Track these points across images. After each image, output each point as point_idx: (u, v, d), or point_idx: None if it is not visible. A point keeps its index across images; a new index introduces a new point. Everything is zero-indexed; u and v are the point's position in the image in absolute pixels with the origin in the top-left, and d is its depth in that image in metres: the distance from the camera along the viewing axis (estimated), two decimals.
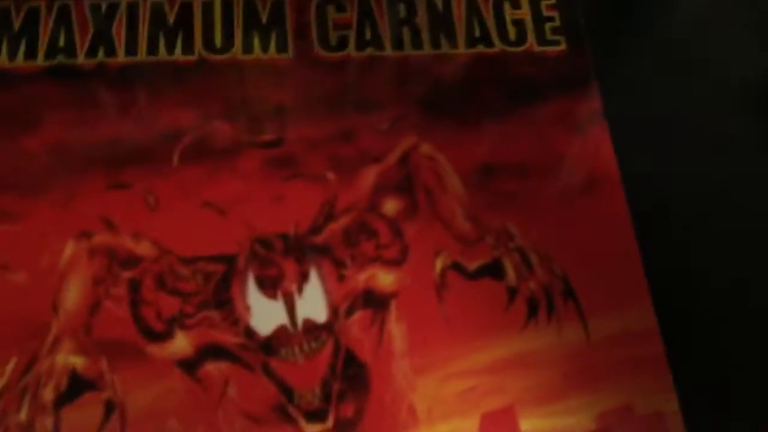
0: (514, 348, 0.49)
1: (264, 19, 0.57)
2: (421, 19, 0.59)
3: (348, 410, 0.46)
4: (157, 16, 0.56)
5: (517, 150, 0.55)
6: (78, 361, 0.45)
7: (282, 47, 0.56)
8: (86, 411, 0.45)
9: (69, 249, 0.48)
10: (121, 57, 0.55)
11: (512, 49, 0.58)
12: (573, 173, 0.55)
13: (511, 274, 0.51)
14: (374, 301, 0.49)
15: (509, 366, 0.48)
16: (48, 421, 0.44)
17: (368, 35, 0.57)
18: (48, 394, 0.45)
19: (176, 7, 0.57)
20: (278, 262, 0.49)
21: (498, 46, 0.58)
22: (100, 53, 0.55)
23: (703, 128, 0.57)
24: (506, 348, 0.49)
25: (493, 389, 0.48)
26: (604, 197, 0.54)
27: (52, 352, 0.45)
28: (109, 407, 0.44)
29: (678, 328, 0.50)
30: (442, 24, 0.59)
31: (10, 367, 0.45)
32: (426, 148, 0.54)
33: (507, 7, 0.60)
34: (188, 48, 0.55)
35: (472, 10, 0.59)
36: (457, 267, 0.51)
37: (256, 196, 0.51)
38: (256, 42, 0.56)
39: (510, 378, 0.48)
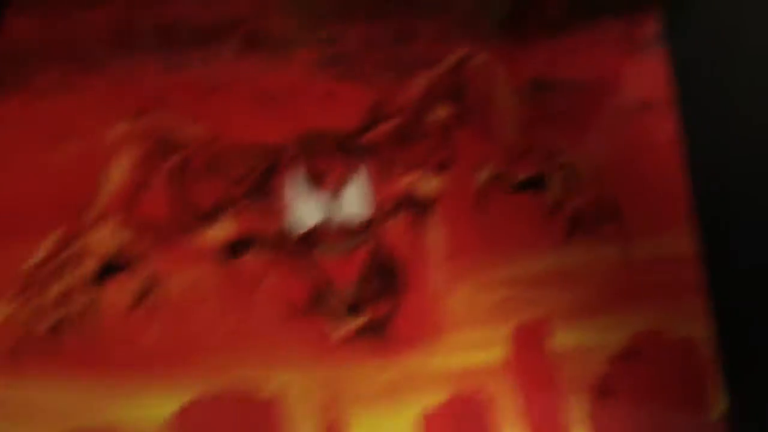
0: (552, 263, 0.48)
1: None
2: None
3: (383, 307, 0.46)
4: None
5: (572, 66, 0.53)
6: (119, 239, 0.45)
7: None
8: (123, 288, 0.44)
9: (122, 126, 0.48)
10: None
11: None
12: (627, 95, 0.53)
13: (555, 190, 0.50)
14: (416, 205, 0.48)
15: (546, 280, 0.48)
16: (85, 297, 0.44)
17: None
18: (87, 269, 0.44)
19: None
20: (325, 158, 0.48)
21: None
22: None
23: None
24: (544, 262, 0.48)
25: (528, 301, 0.47)
26: (656, 122, 0.52)
27: (93, 227, 0.45)
28: (146, 286, 0.44)
29: (717, 256, 0.48)
30: None
31: (52, 239, 0.44)
32: (480, 58, 0.53)
33: None
34: None
35: None
36: (501, 178, 0.50)
37: (309, 92, 0.51)
38: None
39: (546, 292, 0.47)
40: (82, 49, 0.49)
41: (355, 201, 0.48)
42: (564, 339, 0.46)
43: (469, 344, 0.46)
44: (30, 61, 0.48)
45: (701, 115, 0.52)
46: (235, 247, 0.46)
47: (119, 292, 0.44)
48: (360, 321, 0.45)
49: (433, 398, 0.44)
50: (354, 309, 0.45)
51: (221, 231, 0.46)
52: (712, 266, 0.49)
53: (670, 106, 0.53)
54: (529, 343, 0.46)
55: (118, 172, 0.47)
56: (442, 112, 0.51)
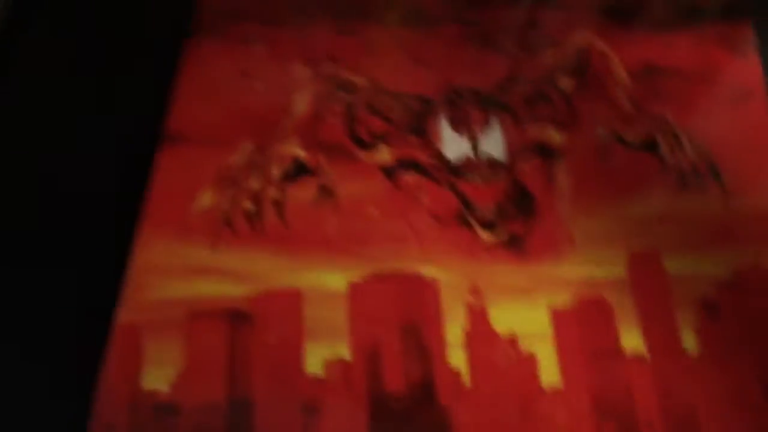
0: (663, 206, 0.54)
1: None
2: None
3: (517, 227, 0.52)
4: None
5: (678, 57, 0.61)
6: (301, 153, 0.53)
7: None
8: (305, 190, 0.52)
9: (300, 70, 0.56)
10: None
11: None
12: (725, 83, 0.61)
13: (665, 150, 0.57)
14: (545, 152, 0.55)
15: (657, 219, 0.54)
16: (274, 191, 0.51)
17: None
18: (275, 172, 0.52)
19: None
20: (467, 109, 0.56)
21: None
22: None
23: None
24: (656, 206, 0.54)
25: (642, 233, 0.53)
26: (751, 105, 0.59)
27: (280, 142, 0.53)
28: (324, 190, 0.52)
29: None
30: None
31: (247, 147, 0.52)
32: (599, 44, 0.61)
33: None
34: None
35: None
36: (617, 137, 0.57)
37: (455, 59, 0.59)
38: None
39: (658, 228, 0.53)
40: (271, 10, 0.58)
41: (493, 144, 0.55)
42: (675, 266, 0.52)
43: (591, 262, 0.52)
44: (228, 16, 0.57)
45: None
46: (394, 169, 0.53)
47: (303, 191, 0.51)
48: (498, 234, 0.51)
49: (561, 299, 0.50)
50: (492, 226, 0.52)
51: (382, 156, 0.53)
52: None
53: (763, 97, 0.60)
54: (644, 265, 0.52)
55: (300, 104, 0.55)
56: (565, 83, 0.59)
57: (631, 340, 0.49)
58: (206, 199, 0.49)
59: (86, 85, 0.55)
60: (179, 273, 0.47)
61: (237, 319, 0.46)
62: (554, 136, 0.56)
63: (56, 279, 0.47)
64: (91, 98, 0.54)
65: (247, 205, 0.50)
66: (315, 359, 0.46)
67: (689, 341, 0.49)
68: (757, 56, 0.62)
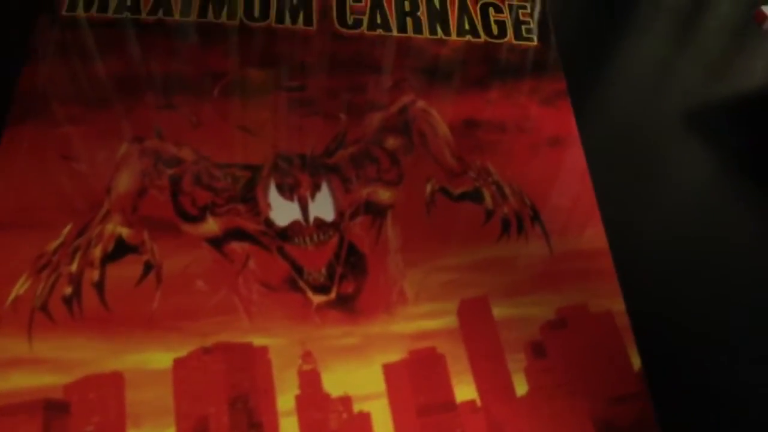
0: (489, 254, 0.54)
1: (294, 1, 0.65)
2: (422, 13, 0.67)
3: (348, 287, 0.50)
4: None
5: (495, 111, 0.61)
6: (124, 231, 0.50)
7: (308, 22, 0.64)
8: (128, 268, 0.49)
9: (123, 148, 0.53)
10: (177, 16, 0.62)
11: (495, 40, 0.66)
12: (541, 131, 0.61)
13: (488, 200, 0.57)
14: (374, 209, 0.54)
15: (484, 266, 0.53)
16: (95, 273, 0.48)
17: (379, 20, 0.65)
18: (96, 253, 0.49)
19: None
20: (295, 174, 0.54)
21: (483, 37, 0.66)
22: (160, 12, 0.62)
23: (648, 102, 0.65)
24: (482, 254, 0.54)
25: (470, 282, 0.52)
26: (566, 150, 0.60)
27: (102, 221, 0.50)
28: (148, 267, 0.49)
29: (623, 249, 0.55)
30: (438, 17, 0.67)
31: (66, 230, 0.49)
32: (421, 103, 0.61)
33: (491, 11, 0.68)
34: (232, 16, 0.63)
35: (463, 10, 0.67)
36: (443, 191, 0.56)
37: (281, 126, 0.57)
38: (287, 16, 0.64)
39: (485, 275, 0.53)
40: (88, 93, 0.55)
41: (322, 206, 0.53)
42: (502, 311, 0.51)
43: (423, 315, 0.50)
44: (49, 98, 0.54)
45: (600, 147, 0.61)
46: (221, 239, 0.50)
47: (127, 270, 0.48)
48: (330, 296, 0.49)
49: (394, 355, 0.48)
50: (323, 288, 0.50)
51: (209, 227, 0.51)
52: (618, 257, 0.55)
53: (577, 139, 0.61)
54: (473, 313, 0.51)
55: (123, 182, 0.52)
56: (391, 142, 0.58)
57: (464, 388, 0.47)
58: (21, 287, 0.45)
59: None
60: None
61: (52, 409, 0.42)
62: (383, 194, 0.55)
63: None
64: None
65: (66, 289, 0.46)
66: None
67: (519, 384, 0.48)
68: (568, 104, 0.63)
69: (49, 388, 0.43)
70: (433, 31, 0.66)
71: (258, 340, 0.47)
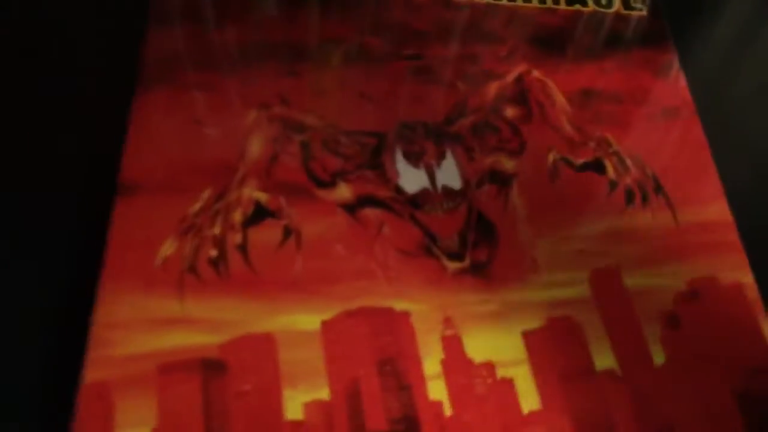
0: (616, 224, 0.53)
1: None
2: None
3: (481, 255, 0.50)
4: None
5: (610, 82, 0.60)
6: (261, 196, 0.49)
7: None
8: (268, 232, 0.48)
9: (252, 115, 0.53)
10: None
11: (604, 10, 0.65)
12: (656, 102, 0.60)
13: (611, 171, 0.56)
14: (499, 179, 0.53)
15: (612, 237, 0.52)
16: (238, 236, 0.47)
17: None
18: (237, 217, 0.48)
19: None
20: (420, 142, 0.54)
21: (591, 6, 0.65)
22: None
23: None
24: (609, 224, 0.53)
25: (599, 252, 0.51)
26: (683, 121, 0.59)
27: (239, 186, 0.49)
28: (287, 231, 0.48)
29: (748, 222, 0.54)
30: None
31: (206, 194, 0.49)
32: (536, 73, 0.60)
33: None
34: None
35: None
36: (565, 161, 0.55)
37: (401, 94, 0.56)
38: None
39: (613, 246, 0.52)
40: (216, 60, 0.55)
41: (449, 174, 0.53)
42: (633, 282, 0.50)
43: (556, 284, 0.50)
44: (176, 64, 0.54)
45: (717, 116, 0.59)
46: (354, 205, 0.50)
47: (267, 234, 0.47)
48: (464, 263, 0.49)
49: (533, 323, 0.47)
50: (458, 255, 0.49)
51: (341, 193, 0.50)
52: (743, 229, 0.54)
53: (693, 110, 0.60)
54: (605, 283, 0.50)
55: (255, 148, 0.51)
56: (511, 112, 0.57)
57: (603, 357, 0.46)
58: (168, 248, 0.45)
59: (33, 138, 0.50)
60: (145, 326, 0.42)
61: (210, 368, 0.42)
62: (506, 163, 0.54)
63: (15, 342, 0.41)
64: (37, 152, 0.49)
65: (211, 251, 0.45)
66: (293, 404, 0.42)
67: (657, 354, 0.47)
68: (681, 75, 0.62)
69: (205, 348, 0.43)
70: (542, 0, 0.65)
71: (399, 305, 0.46)
